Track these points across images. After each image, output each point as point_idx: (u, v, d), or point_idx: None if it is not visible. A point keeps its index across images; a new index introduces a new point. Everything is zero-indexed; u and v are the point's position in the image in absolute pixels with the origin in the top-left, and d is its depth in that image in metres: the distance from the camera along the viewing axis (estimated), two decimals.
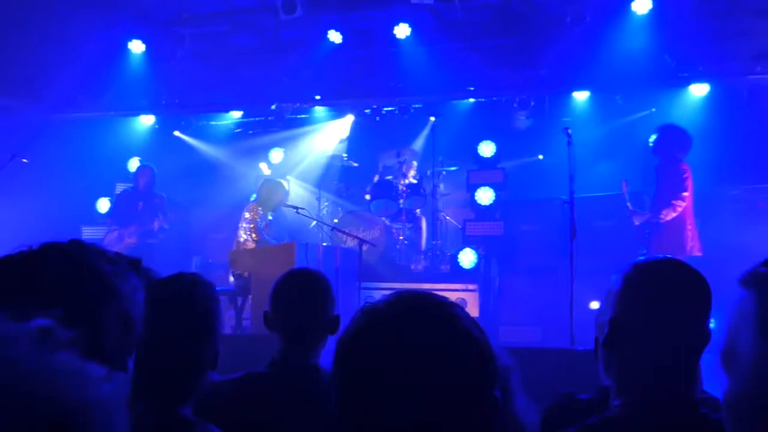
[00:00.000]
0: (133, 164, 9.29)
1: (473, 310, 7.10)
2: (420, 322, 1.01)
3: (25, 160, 6.65)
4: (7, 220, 7.99)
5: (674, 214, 6.19)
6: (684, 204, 6.20)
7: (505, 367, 1.76)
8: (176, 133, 10.02)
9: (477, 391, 1.00)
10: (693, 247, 6.26)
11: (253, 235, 6.89)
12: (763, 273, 0.88)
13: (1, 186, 6.47)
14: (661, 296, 1.45)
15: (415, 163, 8.48)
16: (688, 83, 7.96)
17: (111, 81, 8.94)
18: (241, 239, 6.96)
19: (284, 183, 7.58)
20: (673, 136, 6.33)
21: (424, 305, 1.05)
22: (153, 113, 9.78)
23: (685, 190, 6.21)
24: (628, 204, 6.36)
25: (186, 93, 9.34)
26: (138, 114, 9.79)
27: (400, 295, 1.08)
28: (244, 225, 7.00)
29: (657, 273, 1.49)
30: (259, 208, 7.06)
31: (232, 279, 6.72)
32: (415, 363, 0.97)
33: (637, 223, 6.35)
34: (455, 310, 1.06)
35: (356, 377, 1.00)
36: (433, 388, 0.96)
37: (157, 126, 9.93)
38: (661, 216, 6.20)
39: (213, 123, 10.08)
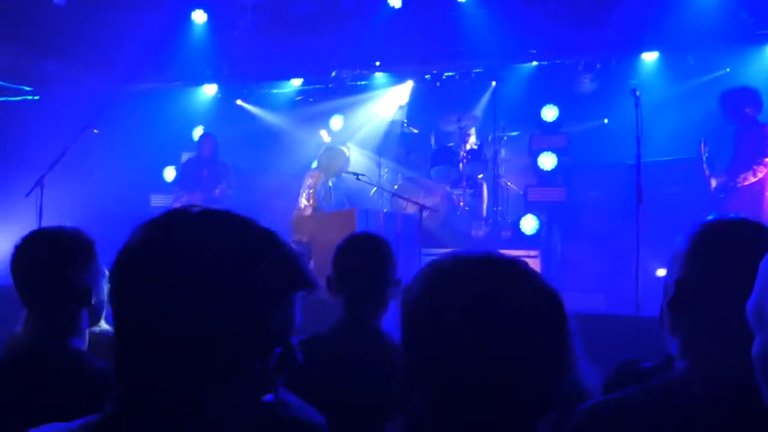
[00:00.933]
0: (198, 133, 9.48)
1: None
2: (490, 278, 1.02)
3: (96, 131, 6.86)
4: (80, 190, 8.33)
5: (754, 179, 5.94)
6: (765, 169, 5.94)
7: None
8: (239, 101, 10.14)
9: (553, 348, 1.00)
10: None
11: (311, 201, 6.98)
12: None
13: (74, 157, 6.69)
14: (731, 256, 1.36)
15: (474, 129, 8.41)
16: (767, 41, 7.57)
17: (175, 51, 9.12)
18: (301, 205, 7.08)
19: (345, 150, 7.63)
20: (741, 99, 6.05)
21: (491, 261, 1.06)
22: (216, 83, 9.92)
23: (767, 155, 5.95)
24: (705, 167, 6.12)
25: (247, 62, 9.45)
26: (202, 84, 9.96)
27: (464, 254, 1.09)
28: (304, 191, 7.11)
29: (726, 232, 1.42)
30: (321, 175, 7.16)
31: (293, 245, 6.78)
32: (487, 320, 0.98)
33: (714, 185, 6.10)
34: (523, 265, 1.07)
35: (427, 337, 1.01)
36: (507, 346, 0.97)
37: (220, 95, 10.06)
38: (739, 180, 5.96)
39: (274, 91, 10.19)
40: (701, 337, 1.40)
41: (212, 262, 0.96)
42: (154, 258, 0.97)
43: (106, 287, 1.99)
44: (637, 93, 5.40)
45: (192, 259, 0.95)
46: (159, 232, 1.01)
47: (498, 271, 1.04)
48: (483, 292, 1.01)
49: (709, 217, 1.48)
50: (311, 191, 7.06)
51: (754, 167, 5.91)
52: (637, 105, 5.32)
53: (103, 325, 2.13)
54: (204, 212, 1.06)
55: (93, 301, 1.92)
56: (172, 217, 1.04)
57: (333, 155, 7.21)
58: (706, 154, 6.14)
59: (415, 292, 1.06)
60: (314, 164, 7.96)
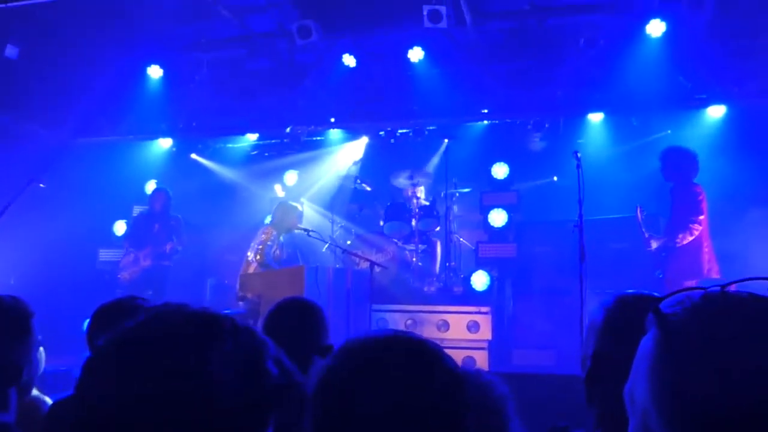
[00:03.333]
0: (151, 187, 9.43)
1: (486, 332, 7.02)
2: (392, 371, 1.08)
3: (42, 185, 6.71)
4: (26, 243, 8.10)
5: (691, 238, 6.08)
6: (700, 227, 6.09)
7: (500, 396, 1.77)
8: (193, 155, 10.16)
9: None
10: (711, 270, 6.14)
11: (258, 257, 6.90)
12: (664, 314, 0.84)
13: (20, 211, 6.52)
14: (641, 332, 1.40)
15: (423, 186, 8.50)
16: (705, 105, 7.85)
17: (130, 105, 9.09)
18: (249, 258, 7.00)
19: (297, 206, 7.60)
20: (679, 158, 6.24)
21: (401, 348, 1.11)
22: (171, 136, 9.93)
23: (701, 213, 6.10)
24: (644, 230, 6.24)
25: (203, 116, 9.46)
26: (156, 137, 9.94)
27: (378, 338, 1.15)
28: (254, 246, 7.03)
29: (640, 308, 1.45)
30: (273, 231, 7.10)
31: (240, 303, 6.71)
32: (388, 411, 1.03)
33: (653, 247, 6.23)
34: (430, 354, 1.11)
35: (330, 414, 1.07)
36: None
37: (174, 149, 10.07)
38: (678, 240, 6.10)
39: (230, 145, 10.22)
40: (613, 410, 1.40)
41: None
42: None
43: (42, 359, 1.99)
44: (579, 155, 5.53)
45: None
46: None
47: (402, 363, 1.09)
48: (384, 387, 1.06)
49: (629, 291, 1.53)
50: (260, 247, 6.98)
51: (690, 226, 6.05)
52: (578, 166, 5.44)
53: (34, 392, 2.09)
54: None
55: (24, 378, 1.88)
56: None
57: (286, 210, 7.21)
58: (643, 217, 6.25)
59: (326, 369, 1.12)
60: (267, 219, 7.90)
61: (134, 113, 9.16)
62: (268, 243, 7.02)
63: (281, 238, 7.23)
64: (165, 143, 10.02)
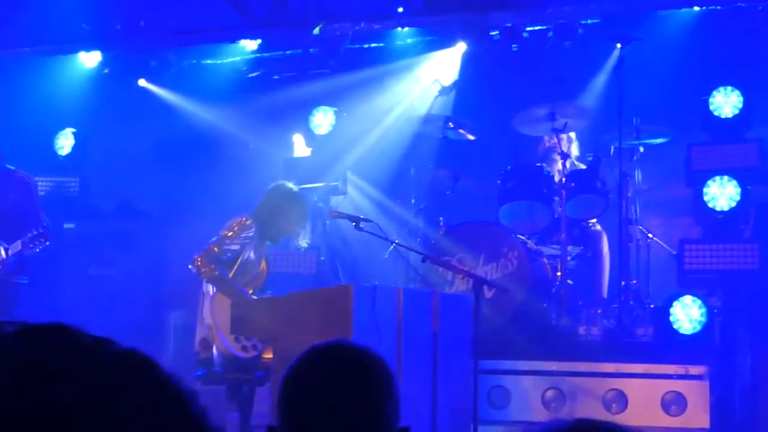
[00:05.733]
0: (62, 141, 9.76)
1: (699, 415, 7.01)
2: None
3: None
4: None
5: None
6: None
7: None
8: (142, 82, 10.34)
9: None
10: None
11: (198, 262, 6.87)
12: None
13: None
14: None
15: (574, 134, 8.51)
16: None
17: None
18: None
19: (306, 202, 7.45)
20: None
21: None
22: (100, 48, 10.09)
23: None
24: None
25: (158, 9, 9.56)
26: (75, 50, 10.15)
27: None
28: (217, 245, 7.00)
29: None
30: (252, 226, 7.06)
31: (238, 350, 6.76)
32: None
33: None
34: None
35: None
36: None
37: (107, 70, 10.27)
38: None
39: (208, 62, 10.39)
40: None
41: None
42: None
43: None
44: None
45: None
46: None
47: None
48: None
49: None
50: (214, 248, 6.89)
51: None
52: None
53: None
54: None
55: None
56: None
57: (285, 199, 7.30)
58: None
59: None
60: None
61: (32, 12, 9.42)
62: (229, 241, 6.96)
63: (263, 248, 7.26)
64: (90, 59, 10.19)
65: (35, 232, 7.91)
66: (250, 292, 7.03)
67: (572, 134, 8.50)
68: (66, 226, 9.64)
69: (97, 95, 10.24)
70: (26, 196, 8.31)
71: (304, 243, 7.42)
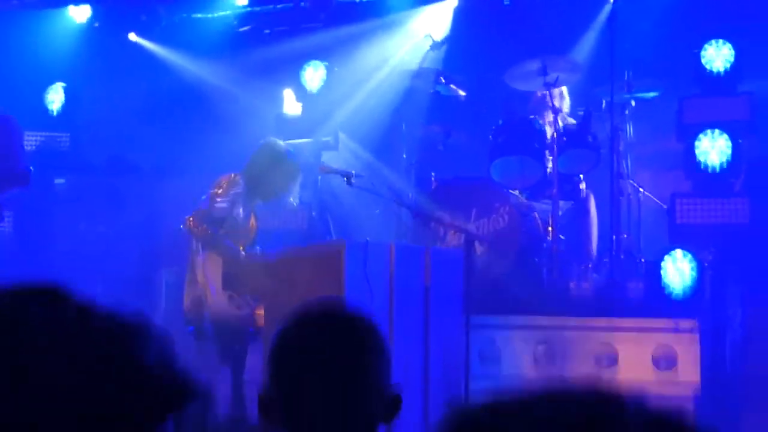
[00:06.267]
0: (53, 95, 9.73)
1: (689, 370, 7.03)
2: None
3: None
4: None
5: None
6: None
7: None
8: (132, 36, 10.33)
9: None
10: None
11: (190, 222, 6.89)
12: None
13: None
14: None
15: (566, 88, 8.49)
16: None
17: None
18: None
19: (296, 160, 7.40)
20: None
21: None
22: (89, 2, 10.09)
23: None
24: None
25: None
26: (64, 3, 10.16)
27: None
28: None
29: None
30: (240, 183, 7.07)
31: (232, 308, 6.77)
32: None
33: None
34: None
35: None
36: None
37: (97, 24, 10.26)
38: None
39: (198, 16, 10.36)
40: None
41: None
42: None
43: None
44: None
45: None
46: None
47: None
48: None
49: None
50: (205, 207, 6.93)
51: None
52: None
53: None
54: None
55: None
56: None
57: (275, 159, 7.27)
58: None
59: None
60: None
61: None
62: (219, 199, 6.96)
63: (253, 206, 7.24)
64: (79, 13, 10.16)
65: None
66: (240, 248, 7.03)
67: (564, 88, 8.49)
68: (57, 181, 9.66)
69: (87, 50, 10.23)
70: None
71: (293, 201, 7.39)
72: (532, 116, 8.43)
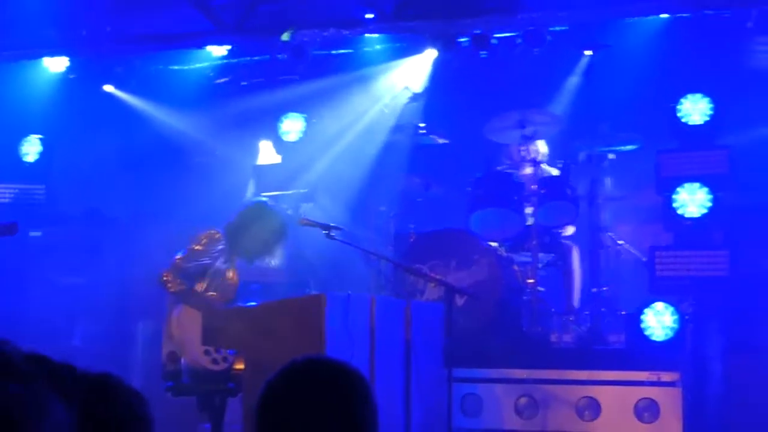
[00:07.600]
0: (28, 147, 9.76)
1: (672, 422, 7.03)
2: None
3: None
4: None
5: None
6: None
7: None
8: (107, 87, 10.33)
9: None
10: None
11: (165, 277, 6.84)
12: None
13: None
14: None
15: (544, 141, 8.54)
16: None
17: None
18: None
19: (279, 224, 7.37)
20: None
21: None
22: (66, 54, 10.07)
23: None
24: None
25: (124, 16, 9.57)
26: (40, 55, 10.14)
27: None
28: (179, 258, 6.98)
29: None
30: (220, 240, 7.06)
31: (208, 363, 6.72)
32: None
33: None
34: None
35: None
36: None
37: (73, 76, 10.25)
38: None
39: (175, 68, 10.35)
40: None
41: None
42: None
43: None
44: None
45: None
46: None
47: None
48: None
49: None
50: (178, 258, 6.89)
51: None
52: None
53: None
54: None
55: None
56: None
57: (259, 222, 7.18)
58: None
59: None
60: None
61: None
62: (198, 254, 6.96)
63: (234, 264, 7.20)
64: (55, 64, 10.16)
65: None
66: (221, 302, 6.98)
67: (542, 141, 8.52)
68: (32, 234, 9.61)
69: (63, 101, 10.24)
70: None
71: (273, 263, 7.38)
72: (510, 169, 8.48)
